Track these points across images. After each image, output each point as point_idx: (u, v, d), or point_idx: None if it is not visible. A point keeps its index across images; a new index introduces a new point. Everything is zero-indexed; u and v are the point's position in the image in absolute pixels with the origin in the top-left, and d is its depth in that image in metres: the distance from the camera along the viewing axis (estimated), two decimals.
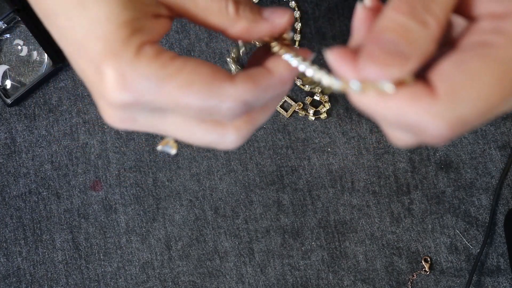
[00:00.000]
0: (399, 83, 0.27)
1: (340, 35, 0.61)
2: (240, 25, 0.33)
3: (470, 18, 0.29)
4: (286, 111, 0.62)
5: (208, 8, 0.33)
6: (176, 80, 0.30)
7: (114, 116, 0.32)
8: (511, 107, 0.28)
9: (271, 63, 0.34)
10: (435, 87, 0.27)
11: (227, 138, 0.33)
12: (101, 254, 0.62)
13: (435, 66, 0.28)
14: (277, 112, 0.62)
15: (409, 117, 0.27)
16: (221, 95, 0.30)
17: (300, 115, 0.62)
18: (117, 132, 0.63)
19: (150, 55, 0.30)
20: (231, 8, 0.33)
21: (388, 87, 0.27)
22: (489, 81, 0.26)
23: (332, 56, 0.28)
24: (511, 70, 0.26)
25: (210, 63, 0.34)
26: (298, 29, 0.62)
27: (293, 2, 0.62)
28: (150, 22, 0.31)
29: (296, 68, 0.34)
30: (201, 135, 0.33)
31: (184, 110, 0.31)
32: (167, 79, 0.29)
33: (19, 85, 0.62)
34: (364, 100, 0.28)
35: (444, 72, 0.27)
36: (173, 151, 0.36)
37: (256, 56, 0.36)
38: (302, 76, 0.34)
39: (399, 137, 0.30)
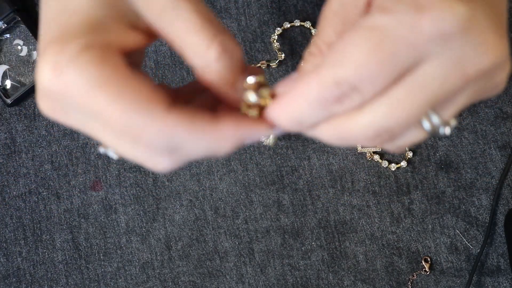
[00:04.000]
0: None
1: None
2: (213, 69, 0.31)
3: None
4: None
5: (187, 39, 0.30)
6: (107, 90, 0.28)
7: (45, 102, 0.30)
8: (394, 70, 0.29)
9: (224, 117, 0.30)
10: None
11: (158, 161, 0.31)
12: (101, 254, 0.62)
13: None
14: None
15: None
16: (148, 121, 0.28)
17: None
18: None
19: (94, 57, 0.28)
20: (214, 49, 0.30)
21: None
22: (360, 48, 0.27)
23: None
24: (383, 38, 0.27)
25: (162, 85, 0.32)
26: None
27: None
28: (118, 28, 0.30)
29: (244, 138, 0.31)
30: (128, 149, 0.30)
31: (107, 123, 0.29)
32: (98, 86, 0.28)
33: (19, 85, 0.62)
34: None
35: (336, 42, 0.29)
36: (114, 155, 0.33)
37: (193, 85, 0.34)
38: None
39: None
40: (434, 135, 0.31)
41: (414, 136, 0.31)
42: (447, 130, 0.30)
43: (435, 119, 0.30)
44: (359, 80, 0.28)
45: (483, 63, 0.28)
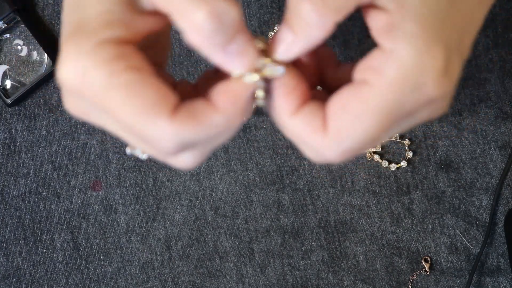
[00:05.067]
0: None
1: (340, 34, 0.61)
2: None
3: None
4: None
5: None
6: (115, 94, 0.28)
7: (68, 102, 0.31)
8: (398, 132, 0.32)
9: (216, 95, 0.30)
10: (327, 123, 0.31)
11: (181, 160, 0.31)
12: (101, 254, 0.62)
13: (331, 98, 0.31)
14: None
15: (308, 142, 0.31)
16: (155, 132, 0.29)
17: None
18: None
19: (106, 57, 0.28)
20: (203, 10, 0.28)
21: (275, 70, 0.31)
22: (368, 122, 0.29)
23: None
24: (387, 110, 0.29)
25: (180, 82, 0.31)
26: None
27: None
28: (129, 15, 0.29)
29: (244, 100, 0.30)
30: (147, 150, 0.31)
31: (120, 124, 0.30)
32: (108, 89, 0.28)
33: (19, 85, 0.62)
34: (280, 117, 0.32)
35: (332, 111, 0.30)
36: (143, 155, 0.33)
37: (207, 75, 0.34)
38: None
39: (307, 152, 0.34)
40: None
41: None
42: None
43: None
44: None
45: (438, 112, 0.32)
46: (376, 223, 0.61)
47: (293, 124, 0.32)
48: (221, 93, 0.30)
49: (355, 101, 0.29)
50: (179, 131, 0.29)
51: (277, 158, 0.62)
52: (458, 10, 0.30)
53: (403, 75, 0.28)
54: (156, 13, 0.31)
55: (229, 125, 0.30)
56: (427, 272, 0.61)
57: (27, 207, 0.63)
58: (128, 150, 0.33)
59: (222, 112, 0.30)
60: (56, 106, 0.63)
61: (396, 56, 0.29)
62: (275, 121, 0.32)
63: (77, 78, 0.28)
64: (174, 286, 0.62)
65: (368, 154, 0.61)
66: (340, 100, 0.30)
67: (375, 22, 0.30)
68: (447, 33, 0.29)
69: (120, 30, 0.29)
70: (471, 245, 0.61)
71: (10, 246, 0.62)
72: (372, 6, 0.30)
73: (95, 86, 0.28)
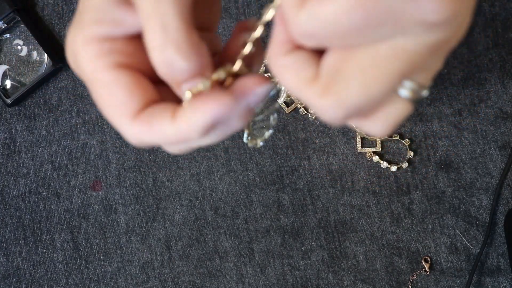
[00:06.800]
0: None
1: None
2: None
3: None
4: (288, 106, 0.62)
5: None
6: (94, 89, 0.31)
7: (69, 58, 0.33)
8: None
9: (186, 105, 0.30)
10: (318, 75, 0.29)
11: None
12: (101, 254, 0.62)
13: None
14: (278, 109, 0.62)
15: (308, 100, 0.29)
16: (121, 129, 0.31)
17: (301, 113, 0.62)
18: (117, 132, 0.63)
19: (90, 54, 0.30)
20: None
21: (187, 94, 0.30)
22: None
23: None
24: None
25: (142, 82, 0.32)
26: None
27: None
28: (120, 13, 0.30)
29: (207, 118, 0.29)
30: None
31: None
32: (91, 82, 0.31)
33: (19, 85, 0.62)
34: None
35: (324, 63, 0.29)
36: None
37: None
38: None
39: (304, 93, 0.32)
40: (417, 100, 0.30)
41: (396, 109, 0.30)
42: (425, 93, 0.30)
43: (411, 85, 0.29)
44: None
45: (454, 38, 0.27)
46: (376, 223, 0.61)
47: (284, 60, 0.30)
48: (187, 107, 0.30)
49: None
50: (136, 134, 0.31)
51: (277, 158, 0.62)
52: None
53: None
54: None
55: (180, 139, 0.30)
56: (427, 272, 0.61)
57: (27, 207, 0.63)
58: None
59: (176, 126, 0.30)
60: (56, 106, 0.63)
61: None
62: (269, 67, 0.31)
63: (72, 64, 0.31)
64: (174, 286, 0.62)
65: (368, 154, 0.61)
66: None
67: None
68: None
69: (108, 27, 0.30)
70: (471, 245, 0.61)
71: (10, 246, 0.62)
72: None
73: (84, 76, 0.31)
